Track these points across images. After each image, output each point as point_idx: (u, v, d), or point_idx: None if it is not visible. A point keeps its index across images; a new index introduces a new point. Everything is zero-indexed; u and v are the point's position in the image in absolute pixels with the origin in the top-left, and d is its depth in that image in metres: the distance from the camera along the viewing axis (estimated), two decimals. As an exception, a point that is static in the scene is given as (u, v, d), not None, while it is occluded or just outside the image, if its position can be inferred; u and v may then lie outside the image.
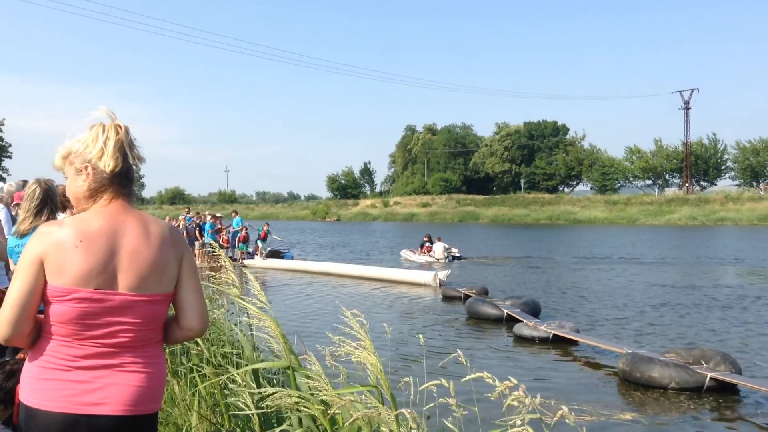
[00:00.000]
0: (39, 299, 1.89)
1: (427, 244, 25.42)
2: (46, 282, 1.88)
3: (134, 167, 2.10)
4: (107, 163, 1.99)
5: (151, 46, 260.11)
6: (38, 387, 1.89)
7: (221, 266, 4.69)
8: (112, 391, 1.91)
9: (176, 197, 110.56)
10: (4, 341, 1.90)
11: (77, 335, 1.90)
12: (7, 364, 2.76)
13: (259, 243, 24.17)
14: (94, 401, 1.89)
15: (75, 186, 2.04)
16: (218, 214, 25.08)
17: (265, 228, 24.55)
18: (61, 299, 1.87)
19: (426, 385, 2.57)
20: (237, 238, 23.72)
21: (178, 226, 22.56)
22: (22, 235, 3.91)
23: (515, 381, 2.33)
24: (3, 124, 69.33)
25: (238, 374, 3.60)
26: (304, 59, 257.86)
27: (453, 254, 24.76)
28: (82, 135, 2.05)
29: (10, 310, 1.85)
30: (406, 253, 25.99)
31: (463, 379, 2.49)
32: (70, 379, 1.89)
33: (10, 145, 70.85)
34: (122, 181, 2.05)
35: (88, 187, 2.01)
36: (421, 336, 3.91)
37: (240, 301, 3.81)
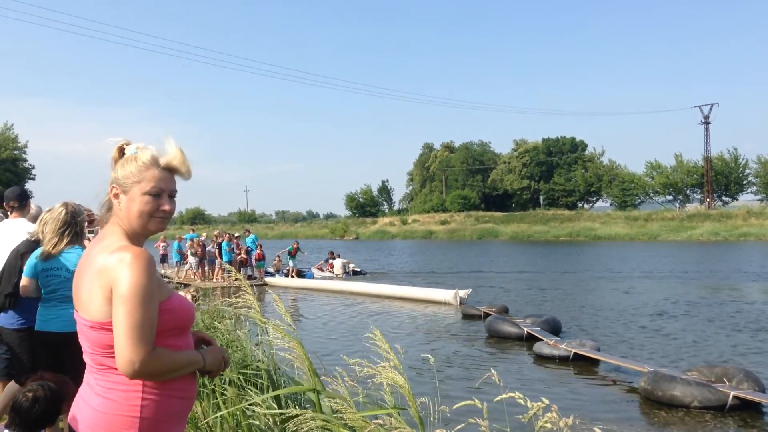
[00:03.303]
0: None
1: (331, 260, 26.60)
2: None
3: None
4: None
5: (172, 69, 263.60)
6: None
7: (239, 287, 4.76)
8: None
9: (197, 217, 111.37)
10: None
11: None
12: (32, 390, 2.57)
13: (290, 261, 24.69)
14: None
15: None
16: (237, 234, 25.28)
17: (294, 246, 24.92)
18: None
19: (458, 405, 2.57)
20: (253, 257, 23.91)
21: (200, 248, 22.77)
22: (48, 258, 3.84)
23: (547, 401, 2.32)
24: (26, 147, 70.43)
25: (263, 399, 3.61)
26: (322, 79, 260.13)
27: (353, 269, 26.34)
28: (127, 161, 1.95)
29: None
30: (313, 270, 27.05)
31: (496, 399, 2.49)
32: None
33: (33, 167, 71.86)
34: None
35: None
36: (430, 356, 3.93)
37: (272, 323, 3.84)
